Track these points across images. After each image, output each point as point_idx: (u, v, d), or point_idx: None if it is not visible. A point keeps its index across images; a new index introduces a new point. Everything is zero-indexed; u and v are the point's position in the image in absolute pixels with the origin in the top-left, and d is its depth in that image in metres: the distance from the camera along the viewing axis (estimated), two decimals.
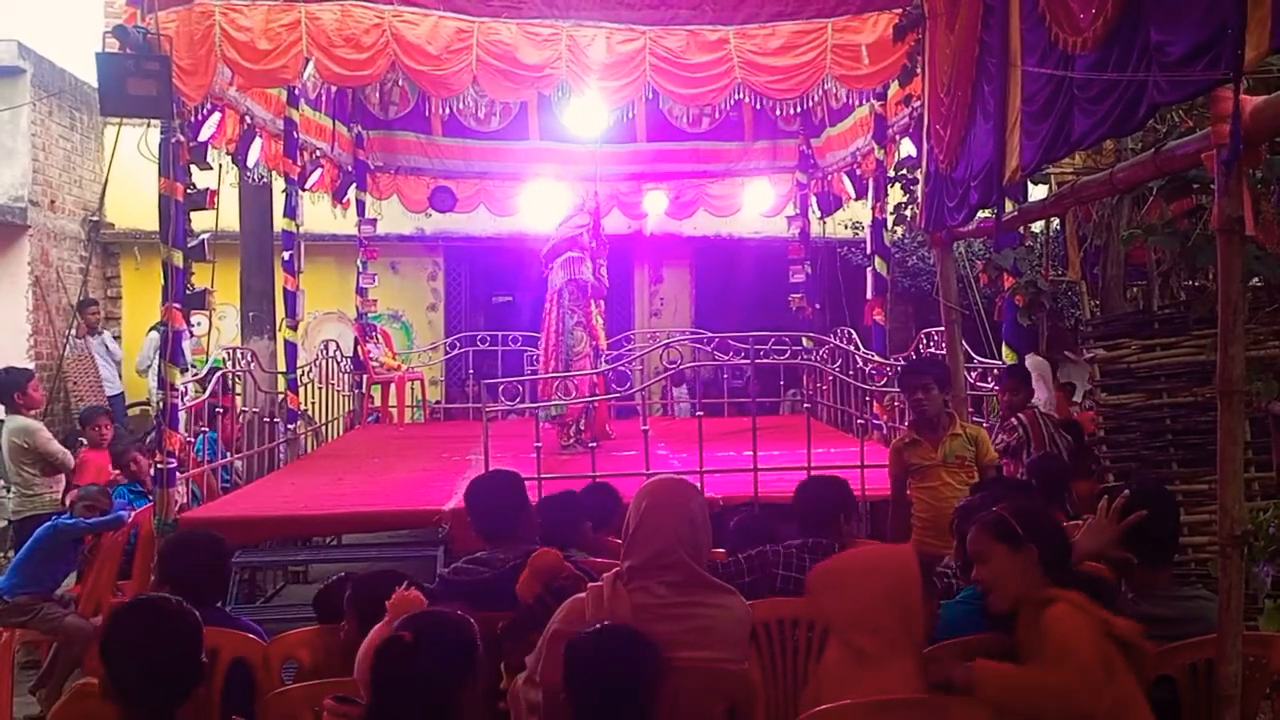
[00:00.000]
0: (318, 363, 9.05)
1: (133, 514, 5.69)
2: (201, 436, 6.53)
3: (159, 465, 5.63)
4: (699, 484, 5.32)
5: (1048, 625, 2.62)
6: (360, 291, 10.45)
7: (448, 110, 8.46)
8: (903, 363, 6.89)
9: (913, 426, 4.83)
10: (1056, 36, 3.42)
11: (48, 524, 5.37)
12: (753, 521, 4.19)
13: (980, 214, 4.78)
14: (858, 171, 8.96)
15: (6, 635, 5.23)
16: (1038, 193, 5.93)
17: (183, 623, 2.44)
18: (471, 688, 2.40)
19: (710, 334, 9.41)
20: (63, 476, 6.62)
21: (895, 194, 7.51)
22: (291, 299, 8.31)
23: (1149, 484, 3.30)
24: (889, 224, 7.99)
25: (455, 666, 2.37)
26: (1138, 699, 2.59)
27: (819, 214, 10.50)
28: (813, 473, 4.86)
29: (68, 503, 5.94)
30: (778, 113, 7.43)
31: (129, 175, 9.93)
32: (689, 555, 2.79)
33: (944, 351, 5.97)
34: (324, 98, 8.85)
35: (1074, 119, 3.40)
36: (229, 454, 7.04)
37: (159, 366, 6.25)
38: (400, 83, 8.60)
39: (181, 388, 5.92)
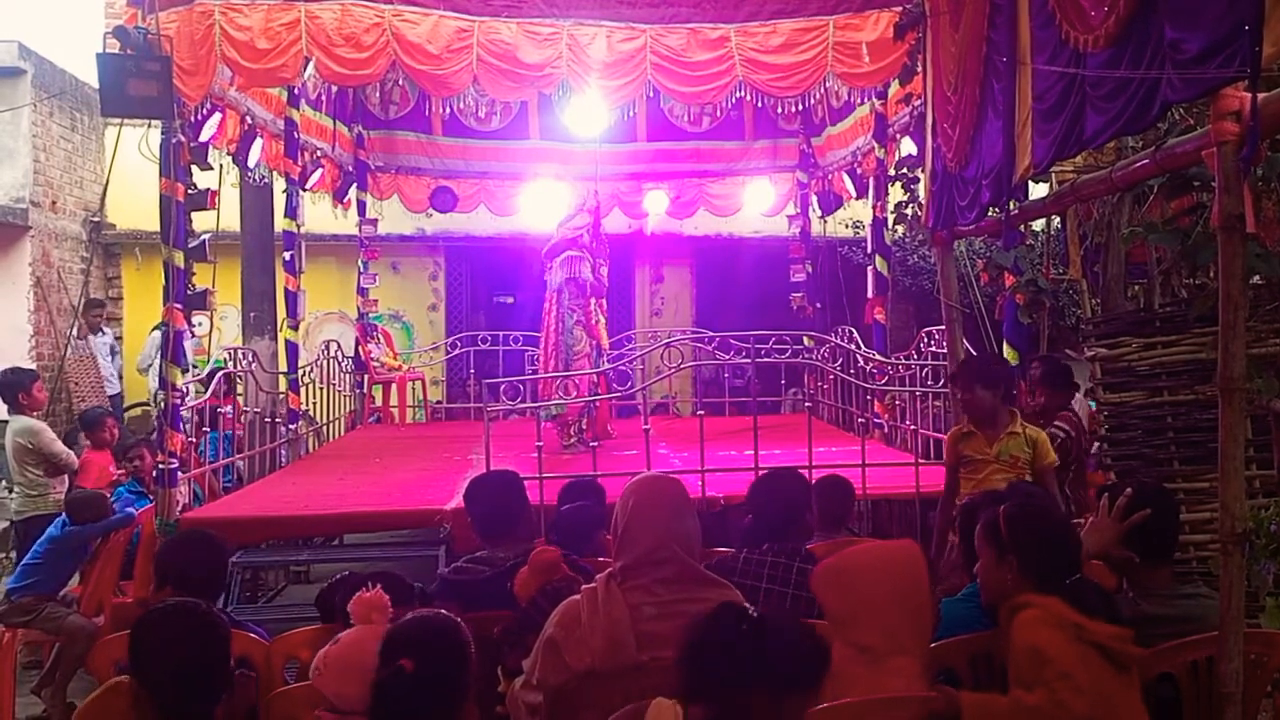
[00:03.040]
0: (319, 363, 9.05)
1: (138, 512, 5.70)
2: (205, 437, 6.53)
3: (161, 465, 5.64)
4: (701, 483, 5.37)
5: (1014, 632, 2.63)
6: (361, 291, 10.46)
7: (448, 110, 8.46)
8: (903, 361, 6.91)
9: (970, 418, 4.75)
10: (1067, 34, 3.41)
11: (64, 527, 5.36)
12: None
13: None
14: (858, 170, 8.97)
15: (9, 635, 5.23)
16: (1038, 191, 5.92)
17: (211, 627, 2.45)
18: (470, 687, 2.40)
19: (711, 333, 9.41)
20: (66, 477, 6.63)
21: (896, 193, 7.50)
22: (292, 299, 8.31)
23: (1149, 483, 3.29)
24: (889, 223, 7.99)
25: (455, 676, 2.36)
26: (1128, 702, 2.58)
27: (819, 213, 10.50)
28: (818, 471, 4.86)
29: (66, 504, 5.94)
30: (779, 111, 7.44)
31: (130, 176, 9.93)
32: (681, 549, 2.81)
33: (945, 350, 5.97)
34: (324, 98, 8.86)
35: (1086, 117, 3.40)
36: (233, 453, 7.05)
37: (160, 366, 6.26)
38: (400, 82, 8.58)
39: (183, 388, 5.93)
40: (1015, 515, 2.86)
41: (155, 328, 9.78)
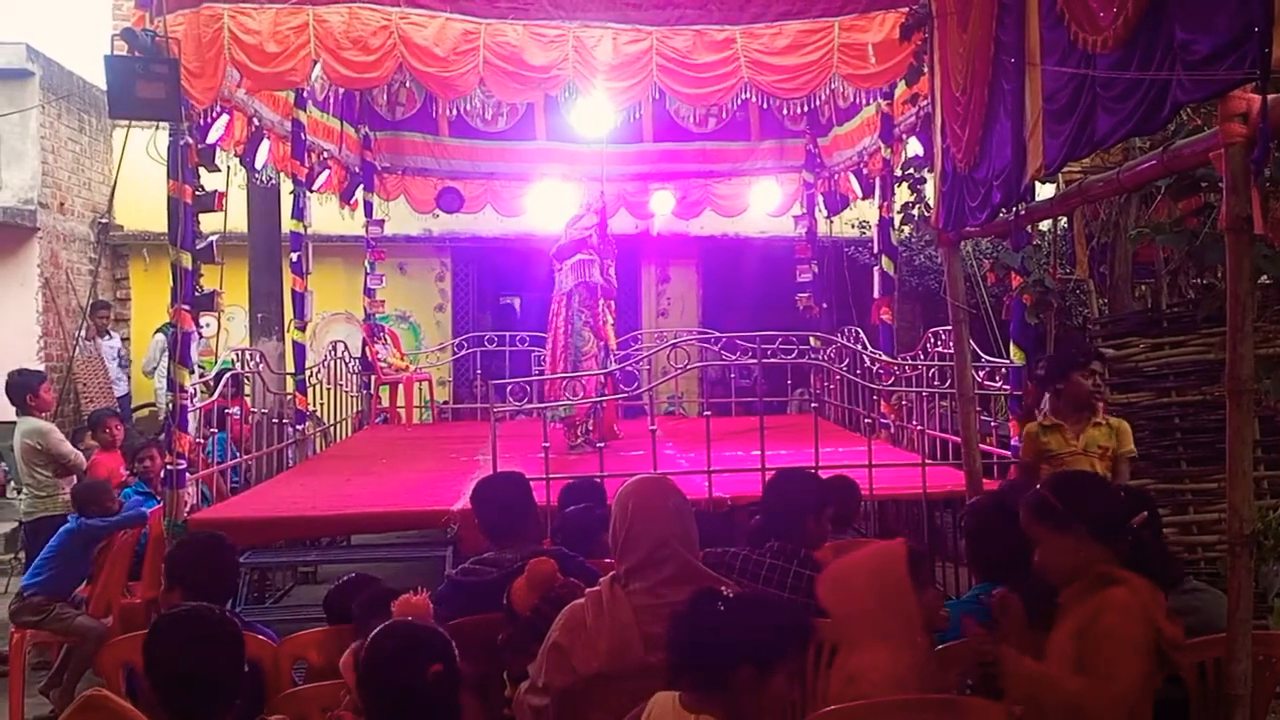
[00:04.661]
0: (326, 364, 9.08)
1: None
2: (212, 438, 6.55)
3: (169, 466, 5.66)
4: (708, 483, 5.38)
5: (1102, 606, 2.60)
6: (368, 292, 10.48)
7: (455, 111, 8.48)
8: (909, 361, 6.89)
9: (1055, 411, 4.63)
10: (1076, 36, 3.40)
11: (76, 525, 5.37)
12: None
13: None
14: (864, 171, 8.95)
15: (19, 636, 5.26)
16: (1045, 191, 5.91)
17: (226, 633, 2.45)
18: (459, 685, 2.44)
19: (718, 334, 9.41)
20: (75, 477, 6.65)
21: (902, 193, 7.49)
22: (300, 300, 8.33)
23: (1133, 489, 3.33)
24: (896, 223, 7.97)
25: (451, 675, 2.39)
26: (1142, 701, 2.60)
27: (826, 213, 10.48)
28: (825, 471, 4.84)
29: (71, 495, 5.96)
30: (784, 112, 7.42)
31: (138, 177, 9.98)
32: (681, 546, 2.85)
33: (951, 350, 5.96)
34: (332, 99, 8.86)
35: (1097, 118, 3.39)
36: (239, 454, 7.06)
37: (166, 368, 6.27)
38: (407, 84, 8.59)
39: (191, 389, 5.95)
40: (1062, 484, 2.86)
41: (158, 330, 9.83)
